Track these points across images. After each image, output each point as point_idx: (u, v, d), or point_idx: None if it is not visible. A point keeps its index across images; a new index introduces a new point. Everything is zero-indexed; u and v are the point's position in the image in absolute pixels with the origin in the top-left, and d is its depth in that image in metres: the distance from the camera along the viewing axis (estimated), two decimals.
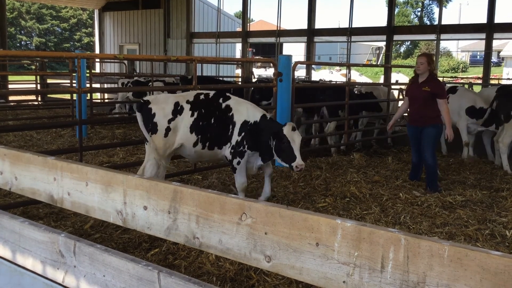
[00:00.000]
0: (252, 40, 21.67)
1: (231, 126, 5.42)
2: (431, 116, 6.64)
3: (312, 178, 7.11)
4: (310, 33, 18.03)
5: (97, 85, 15.19)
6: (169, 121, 5.32)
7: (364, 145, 10.48)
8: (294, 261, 1.42)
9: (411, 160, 7.38)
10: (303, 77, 18.47)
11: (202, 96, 5.52)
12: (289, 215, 1.42)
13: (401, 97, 11.71)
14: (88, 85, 10.60)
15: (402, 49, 54.11)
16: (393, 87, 12.39)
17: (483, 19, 15.11)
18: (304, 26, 18.36)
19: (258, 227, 1.48)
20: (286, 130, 5.17)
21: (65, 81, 16.01)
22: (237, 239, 1.53)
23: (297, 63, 8.51)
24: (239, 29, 22.07)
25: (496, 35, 15.27)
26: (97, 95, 17.89)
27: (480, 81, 15.58)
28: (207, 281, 3.74)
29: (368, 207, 5.90)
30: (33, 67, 17.12)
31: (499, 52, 38.51)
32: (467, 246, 1.17)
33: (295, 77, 8.52)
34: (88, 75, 10.93)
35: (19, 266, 2.13)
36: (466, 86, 13.06)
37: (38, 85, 16.09)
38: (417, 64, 6.78)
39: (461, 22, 34.93)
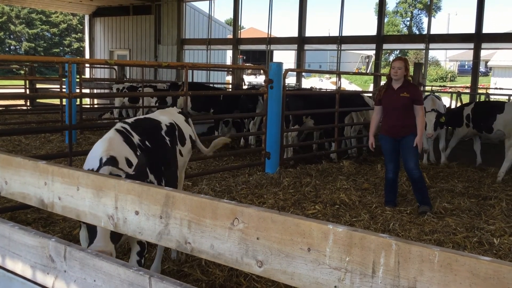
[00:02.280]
0: (243, 47, 21.71)
1: None
2: (413, 124, 6.13)
3: (302, 185, 7.12)
4: (301, 41, 18.12)
5: (87, 91, 15.13)
6: None
7: (351, 152, 10.52)
8: (286, 266, 1.42)
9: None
10: (293, 85, 18.53)
11: None
12: (281, 220, 1.43)
13: None
14: (78, 90, 10.55)
15: (391, 58, 54.45)
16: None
17: (471, 29, 15.28)
18: (295, 34, 18.45)
19: (250, 232, 1.49)
20: None
21: (55, 86, 15.92)
22: (229, 244, 1.53)
23: (287, 70, 8.56)
24: (230, 36, 22.10)
25: (484, 45, 15.44)
26: (86, 101, 17.81)
27: (468, 90, 15.71)
28: (198, 287, 3.73)
29: (358, 214, 5.92)
30: (22, 71, 17.00)
31: (487, 62, 38.90)
32: (457, 251, 1.19)
33: (286, 84, 8.54)
34: (78, 80, 10.88)
35: (8, 271, 2.11)
36: (454, 95, 13.17)
37: (27, 90, 15.99)
38: (394, 69, 6.11)
39: (450, 32, 35.33)
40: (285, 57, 30.50)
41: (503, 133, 8.78)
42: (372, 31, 19.68)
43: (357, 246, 1.30)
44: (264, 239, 1.46)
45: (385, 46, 18.08)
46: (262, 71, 9.40)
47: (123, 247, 4.51)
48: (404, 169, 6.44)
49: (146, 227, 1.75)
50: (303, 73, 24.51)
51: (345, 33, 17.78)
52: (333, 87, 26.78)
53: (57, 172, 2.03)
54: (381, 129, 6.45)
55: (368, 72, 36.01)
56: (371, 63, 34.54)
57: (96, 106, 17.78)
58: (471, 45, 15.18)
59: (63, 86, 11.08)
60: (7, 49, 51.77)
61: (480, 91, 16.85)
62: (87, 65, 19.74)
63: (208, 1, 21.37)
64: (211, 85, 16.55)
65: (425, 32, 20.97)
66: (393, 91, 6.16)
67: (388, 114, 6.27)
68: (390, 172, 6.39)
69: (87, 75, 21.65)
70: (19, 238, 2.04)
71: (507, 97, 11.67)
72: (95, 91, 17.31)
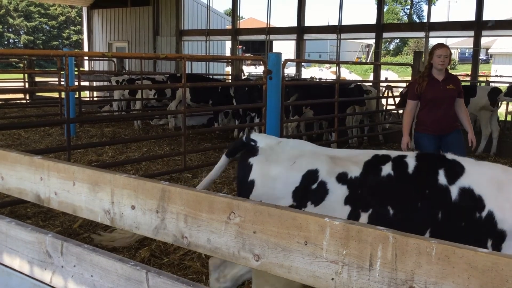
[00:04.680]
0: (242, 37, 21.61)
1: None
2: (455, 119, 5.59)
3: None
4: (300, 31, 18.04)
5: (86, 83, 15.08)
6: None
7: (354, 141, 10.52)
8: (283, 260, 1.41)
9: None
10: (293, 75, 18.48)
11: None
12: (278, 214, 1.42)
13: (390, 94, 11.74)
14: (76, 83, 10.52)
15: (391, 47, 54.35)
16: (382, 84, 12.44)
17: (471, 16, 15.21)
18: (294, 23, 18.36)
19: (246, 226, 1.48)
20: None
21: (54, 79, 15.89)
22: (226, 238, 1.52)
23: (286, 60, 8.51)
24: (228, 26, 22.01)
25: (484, 33, 15.36)
26: (86, 93, 17.77)
27: (468, 78, 15.67)
28: (197, 280, 3.73)
29: None
30: (21, 65, 16.96)
31: (487, 49, 38.78)
32: (455, 244, 1.17)
33: (285, 74, 8.51)
34: (76, 73, 10.84)
35: (6, 266, 2.11)
36: None
37: (26, 84, 15.95)
38: (440, 58, 5.37)
39: (450, 20, 35.19)
40: (285, 47, 30.45)
41: (475, 116, 8.89)
42: (372, 19, 19.60)
43: (354, 239, 1.29)
44: (260, 233, 1.45)
45: (385, 34, 17.98)
46: (261, 62, 9.36)
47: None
48: None
49: (143, 221, 1.74)
50: (303, 63, 24.44)
51: (345, 22, 17.70)
52: (333, 77, 26.73)
53: (53, 167, 2.02)
54: (420, 127, 5.72)
55: (368, 61, 35.94)
56: (371, 52, 34.44)
57: (95, 99, 17.76)
58: (472, 33, 15.11)
59: (62, 79, 11.05)
60: (5, 42, 51.65)
61: (480, 78, 16.81)
62: (85, 57, 19.69)
63: None
64: (210, 76, 16.51)
65: (425, 20, 20.88)
66: (438, 83, 5.49)
67: (433, 109, 5.55)
68: None
69: (86, 68, 21.60)
70: (16, 233, 2.03)
71: (507, 85, 11.64)
72: (94, 83, 17.27)
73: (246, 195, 2.80)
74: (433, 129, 5.54)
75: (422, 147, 5.59)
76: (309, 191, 2.71)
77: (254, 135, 3.05)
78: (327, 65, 36.33)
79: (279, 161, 2.82)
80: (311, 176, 2.73)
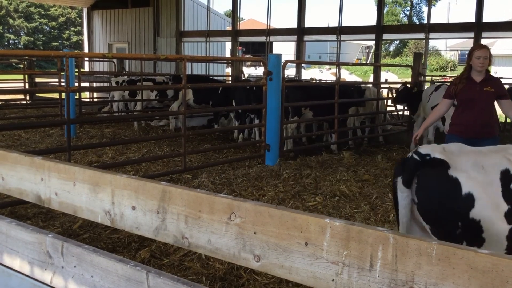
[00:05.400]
0: (242, 39, 21.62)
1: None
2: (493, 125, 5.32)
3: (302, 177, 7.12)
4: (300, 32, 18.05)
5: (86, 84, 15.08)
6: None
7: (354, 143, 10.52)
8: (283, 261, 1.42)
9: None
10: (293, 76, 18.48)
11: None
12: (278, 215, 1.42)
13: (391, 96, 11.73)
14: (76, 84, 10.52)
15: (391, 48, 54.36)
16: (383, 86, 12.45)
17: (471, 18, 15.23)
18: (294, 25, 18.37)
19: (247, 227, 1.48)
20: None
21: (54, 80, 15.89)
22: (226, 239, 1.53)
23: (287, 62, 8.52)
24: (229, 28, 22.01)
25: (484, 34, 15.36)
26: (86, 94, 17.77)
27: None
28: (197, 280, 3.73)
29: (358, 205, 5.92)
30: (21, 66, 16.96)
31: None
32: (455, 244, 1.18)
33: (285, 76, 8.52)
34: (76, 74, 10.85)
35: (6, 267, 2.11)
36: None
37: (27, 84, 15.95)
38: (480, 59, 5.15)
39: (450, 21, 35.18)
40: (285, 49, 30.45)
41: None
42: (372, 21, 19.59)
43: (355, 240, 1.29)
44: (261, 234, 1.45)
45: (385, 36, 18.00)
46: (261, 63, 9.37)
47: (123, 241, 4.52)
48: None
49: (143, 222, 1.75)
50: (303, 65, 24.44)
51: (345, 23, 17.71)
52: (333, 78, 26.75)
53: (54, 168, 2.02)
54: (451, 128, 5.51)
55: (368, 62, 35.95)
56: (371, 53, 34.45)
57: (95, 99, 17.76)
58: (472, 34, 15.12)
59: (62, 80, 11.06)
60: (6, 43, 51.67)
61: None
62: (86, 58, 19.70)
63: None
64: (211, 77, 16.51)
65: (425, 21, 20.87)
66: (475, 84, 5.26)
67: (466, 111, 5.33)
68: None
69: (86, 69, 21.60)
70: (16, 234, 2.03)
71: (507, 86, 11.64)
72: (94, 84, 17.27)
73: (466, 211, 2.67)
74: (465, 132, 5.30)
75: None
76: (509, 190, 2.70)
77: (421, 148, 2.93)
78: (327, 67, 36.36)
79: (474, 168, 2.78)
80: (505, 176, 2.74)
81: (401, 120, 11.91)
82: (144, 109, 12.64)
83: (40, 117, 12.24)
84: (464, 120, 5.33)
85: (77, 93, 10.63)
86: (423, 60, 12.17)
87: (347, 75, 32.51)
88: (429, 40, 16.47)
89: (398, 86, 10.38)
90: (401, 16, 54.13)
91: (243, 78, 14.49)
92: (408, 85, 10.41)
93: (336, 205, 5.91)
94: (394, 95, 10.51)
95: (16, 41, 53.02)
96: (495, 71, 33.12)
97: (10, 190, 2.23)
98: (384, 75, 26.40)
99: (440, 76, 24.80)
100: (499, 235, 2.68)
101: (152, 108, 13.32)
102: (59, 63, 11.10)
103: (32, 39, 52.01)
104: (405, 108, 11.29)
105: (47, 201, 2.07)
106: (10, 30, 52.79)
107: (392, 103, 10.43)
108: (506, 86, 12.17)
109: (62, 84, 10.86)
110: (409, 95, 10.05)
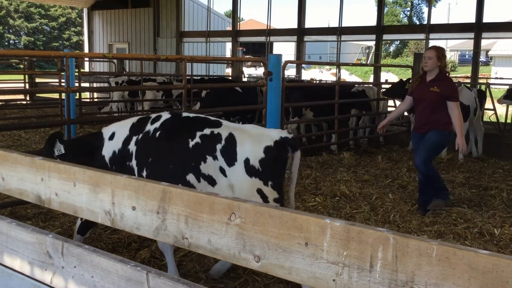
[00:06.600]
0: (242, 39, 21.63)
1: None
2: (439, 121, 5.60)
3: (303, 177, 7.12)
4: (300, 33, 18.05)
5: (86, 84, 15.08)
6: None
7: (355, 143, 10.52)
8: (284, 261, 1.41)
9: (415, 169, 6.32)
10: (293, 76, 18.49)
11: None
12: (278, 215, 1.42)
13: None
14: (77, 84, 10.51)
15: (391, 49, 54.34)
16: (383, 86, 12.43)
17: (471, 18, 15.22)
18: (294, 25, 18.38)
19: (247, 227, 1.48)
20: None
21: (54, 80, 15.89)
22: (226, 239, 1.52)
23: (287, 62, 8.52)
24: (229, 28, 22.02)
25: (484, 35, 15.38)
26: (86, 95, 17.77)
27: (468, 80, 15.67)
28: (195, 280, 3.73)
29: (358, 206, 5.92)
30: (22, 66, 16.96)
31: (487, 51, 38.79)
32: (455, 245, 1.18)
33: (285, 76, 8.52)
34: (77, 74, 10.84)
35: (6, 267, 2.11)
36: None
37: (27, 85, 15.94)
38: (425, 59, 5.61)
39: (450, 22, 35.18)
40: (285, 49, 30.44)
41: None
42: (372, 21, 19.59)
43: (355, 240, 1.29)
44: (261, 234, 1.45)
45: (385, 36, 18.00)
46: (261, 63, 9.36)
47: (123, 241, 4.52)
48: None
49: (143, 222, 1.75)
50: (303, 65, 24.44)
51: (345, 24, 17.72)
52: (333, 79, 26.74)
53: (54, 168, 2.02)
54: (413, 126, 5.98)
55: (368, 63, 35.93)
56: (371, 54, 34.47)
57: (95, 100, 17.75)
58: (472, 35, 15.12)
59: (62, 80, 11.05)
60: (6, 43, 51.66)
61: (480, 80, 16.80)
62: (86, 59, 19.70)
63: None
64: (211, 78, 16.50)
65: (425, 22, 20.87)
66: (424, 84, 5.67)
67: (417, 109, 5.82)
68: (419, 173, 5.83)
69: (86, 69, 21.60)
70: (16, 234, 2.03)
71: (507, 87, 11.65)
72: (94, 84, 17.27)
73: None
74: (415, 127, 5.93)
75: (412, 142, 6.16)
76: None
77: None
78: (327, 67, 36.34)
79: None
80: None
81: (401, 120, 11.91)
82: (150, 109, 12.63)
83: (40, 117, 12.24)
84: (416, 118, 5.93)
85: (77, 93, 10.63)
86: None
87: (347, 76, 32.51)
88: (429, 41, 16.46)
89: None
90: (401, 16, 54.11)
91: (243, 79, 14.48)
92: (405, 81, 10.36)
93: (336, 206, 5.91)
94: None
95: (16, 41, 53.02)
96: (495, 71, 33.12)
97: (10, 190, 2.23)
98: (384, 75, 26.38)
99: None
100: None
101: (158, 108, 13.31)
102: (59, 63, 11.10)
103: (32, 39, 52.00)
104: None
105: (47, 201, 2.07)
106: (10, 30, 52.79)
107: (383, 94, 10.41)
108: (506, 86, 12.20)
109: (62, 84, 10.86)
110: (402, 90, 9.95)
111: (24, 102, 15.39)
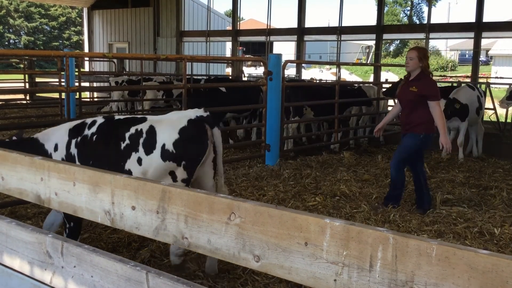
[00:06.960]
0: (242, 39, 21.62)
1: None
2: (415, 123, 5.55)
3: (303, 177, 7.12)
4: (300, 32, 18.04)
5: (86, 84, 15.07)
6: None
7: (355, 143, 10.52)
8: (283, 261, 1.41)
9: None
10: (293, 76, 18.48)
11: None
12: (278, 215, 1.42)
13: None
14: (77, 84, 10.51)
15: (391, 48, 54.33)
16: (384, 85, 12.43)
17: (471, 18, 15.22)
18: (294, 25, 18.37)
19: (247, 227, 1.47)
20: None
21: (54, 80, 15.88)
22: (226, 239, 1.52)
23: (287, 61, 8.52)
24: (229, 27, 22.01)
25: (484, 34, 15.37)
26: (86, 94, 17.77)
27: (469, 80, 15.67)
28: (194, 280, 3.73)
29: (358, 205, 5.92)
30: (22, 65, 16.96)
31: (487, 51, 38.78)
32: (455, 245, 1.17)
33: (285, 75, 8.52)
34: (77, 73, 10.84)
35: (6, 267, 2.11)
36: (455, 84, 13.14)
37: (27, 84, 15.94)
38: (406, 60, 5.61)
39: (450, 21, 35.14)
40: (285, 48, 30.47)
41: None
42: (372, 21, 19.59)
43: (354, 240, 1.29)
44: (261, 234, 1.45)
45: (385, 36, 18.00)
46: (261, 63, 9.36)
47: (123, 241, 4.52)
48: None
49: (143, 222, 1.74)
50: (303, 64, 24.44)
51: (345, 23, 17.70)
52: (334, 78, 26.73)
53: (53, 168, 2.02)
54: None
55: (368, 62, 35.95)
56: (371, 53, 34.47)
57: (95, 99, 17.75)
58: (472, 34, 15.11)
59: (62, 80, 11.05)
60: (6, 43, 51.65)
61: (480, 80, 16.81)
62: (86, 58, 19.69)
63: None
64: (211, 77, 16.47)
65: (425, 21, 20.87)
66: (406, 85, 5.67)
67: (401, 109, 5.85)
68: (413, 172, 5.91)
69: (86, 69, 21.59)
70: (16, 234, 2.03)
71: (507, 86, 11.64)
72: (94, 84, 17.26)
73: None
74: (401, 128, 5.97)
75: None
76: None
77: None
78: (327, 66, 36.35)
79: None
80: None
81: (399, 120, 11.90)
82: (151, 109, 12.62)
83: (40, 117, 12.24)
84: (400, 118, 5.99)
85: (77, 93, 10.63)
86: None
87: (347, 75, 32.51)
88: (429, 40, 16.46)
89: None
90: (401, 16, 54.10)
91: (243, 78, 14.48)
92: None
93: (336, 205, 5.91)
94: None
95: (16, 41, 53.00)
96: (495, 70, 33.11)
97: (10, 190, 2.23)
98: (384, 75, 26.37)
99: (440, 76, 24.80)
100: None
101: (158, 108, 13.30)
102: (59, 63, 11.09)
103: (32, 39, 51.99)
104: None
105: (47, 201, 2.07)
106: (11, 30, 52.77)
107: (383, 94, 10.42)
108: (506, 86, 12.19)
109: (62, 84, 10.85)
110: None
111: (24, 102, 15.39)
